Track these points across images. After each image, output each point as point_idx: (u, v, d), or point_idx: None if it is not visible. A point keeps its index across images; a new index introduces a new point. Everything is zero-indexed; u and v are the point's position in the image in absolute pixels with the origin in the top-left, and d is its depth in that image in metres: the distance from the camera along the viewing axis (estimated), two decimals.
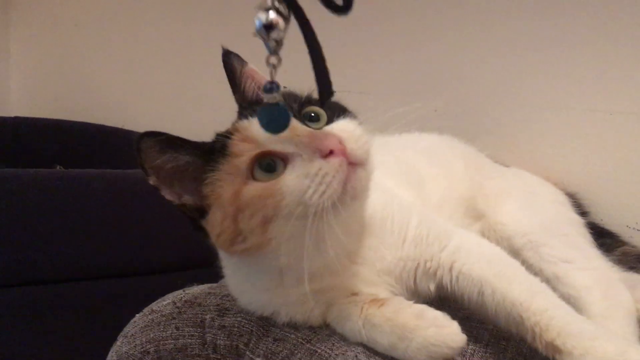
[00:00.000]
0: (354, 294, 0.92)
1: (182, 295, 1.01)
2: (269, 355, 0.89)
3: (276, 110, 0.70)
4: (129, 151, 2.08)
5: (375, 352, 0.86)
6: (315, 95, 0.83)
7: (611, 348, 0.75)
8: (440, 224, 0.99)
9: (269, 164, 0.78)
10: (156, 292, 1.06)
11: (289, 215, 0.75)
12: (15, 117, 2.28)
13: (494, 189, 1.20)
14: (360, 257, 0.92)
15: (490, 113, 1.50)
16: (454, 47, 1.54)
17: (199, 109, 2.20)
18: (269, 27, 0.60)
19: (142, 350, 0.94)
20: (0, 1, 2.87)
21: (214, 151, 0.82)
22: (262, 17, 0.59)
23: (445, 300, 0.96)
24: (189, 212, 0.85)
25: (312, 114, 0.82)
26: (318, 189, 0.74)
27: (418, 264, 0.94)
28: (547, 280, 1.00)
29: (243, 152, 0.79)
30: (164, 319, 0.97)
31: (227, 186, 0.80)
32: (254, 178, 0.78)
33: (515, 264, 0.92)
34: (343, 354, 0.87)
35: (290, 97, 0.85)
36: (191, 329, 0.95)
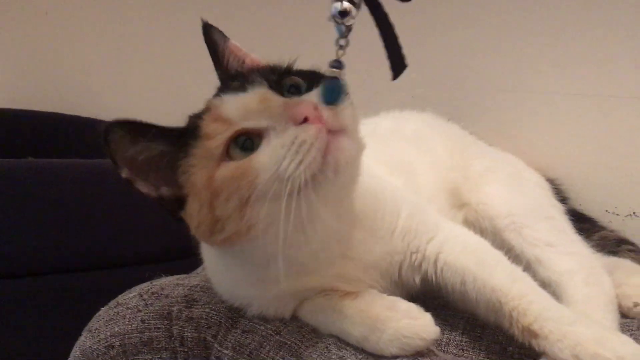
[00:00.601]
0: (331, 288, 0.89)
1: (148, 287, 0.98)
2: (237, 347, 0.87)
3: (336, 83, 0.69)
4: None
5: (347, 344, 0.84)
6: (296, 65, 0.82)
7: (588, 333, 0.73)
8: (430, 215, 0.96)
9: (246, 140, 0.73)
10: (128, 285, 1.03)
11: (265, 193, 0.69)
12: None
13: (477, 168, 1.17)
14: (350, 251, 0.89)
15: (469, 98, 1.48)
16: (433, 32, 1.51)
17: (175, 98, 2.16)
18: (343, 13, 0.65)
19: (106, 344, 0.91)
20: None
21: (187, 135, 0.77)
22: (337, 5, 0.65)
23: (426, 291, 0.95)
24: (167, 205, 0.79)
25: (292, 85, 0.78)
26: (294, 159, 0.68)
27: (404, 256, 0.92)
28: (528, 263, 1.00)
29: (215, 134, 0.74)
30: (129, 311, 0.93)
31: (201, 171, 0.75)
32: (231, 159, 0.73)
33: (498, 254, 0.90)
34: (313, 345, 0.84)
35: (269, 69, 0.81)
36: (157, 321, 0.91)
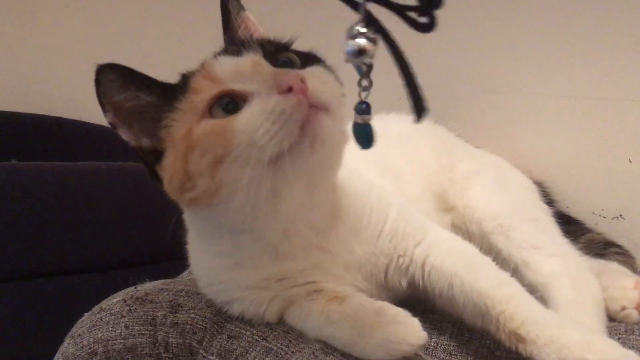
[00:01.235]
0: (316, 291, 0.88)
1: (133, 293, 0.96)
2: (223, 353, 0.85)
3: (366, 129, 0.66)
4: (87, 143, 2.03)
5: (333, 349, 0.83)
6: (288, 39, 0.82)
7: (576, 337, 0.73)
8: (418, 218, 0.96)
9: (229, 103, 0.73)
10: (111, 289, 1.01)
11: (238, 156, 0.69)
12: None
13: (463, 171, 1.17)
14: (328, 244, 0.88)
15: (456, 100, 1.48)
16: (421, 35, 1.51)
17: None
18: (359, 52, 0.61)
19: (89, 351, 0.89)
20: None
21: (176, 91, 0.77)
22: (352, 44, 0.60)
23: (413, 295, 0.94)
24: (144, 155, 0.80)
25: (286, 60, 0.78)
26: (271, 128, 0.67)
27: (391, 259, 0.92)
28: (515, 266, 1.00)
29: (203, 90, 0.74)
30: (112, 317, 0.92)
31: (182, 125, 0.75)
32: (212, 118, 0.73)
33: (486, 258, 0.90)
34: (300, 351, 0.83)
35: (267, 41, 0.81)
36: (141, 327, 0.90)
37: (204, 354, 0.86)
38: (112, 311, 0.93)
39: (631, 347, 0.83)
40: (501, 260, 1.01)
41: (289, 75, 0.70)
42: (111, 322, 0.91)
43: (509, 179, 1.20)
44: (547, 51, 1.34)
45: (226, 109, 0.73)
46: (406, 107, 1.32)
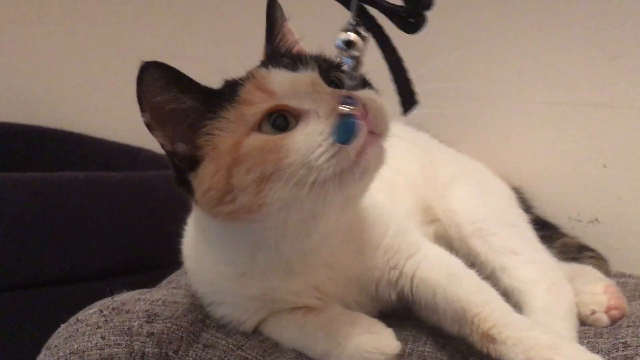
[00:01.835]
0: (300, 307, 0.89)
1: (109, 303, 0.96)
2: None
3: (350, 122, 0.67)
4: (69, 152, 2.02)
5: (308, 358, 0.84)
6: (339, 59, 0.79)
7: (543, 340, 0.75)
8: (412, 234, 0.97)
9: (281, 119, 0.72)
10: (89, 299, 1.01)
11: (290, 177, 0.68)
12: None
13: (444, 176, 1.18)
14: (336, 261, 0.89)
15: (438, 107, 1.49)
16: (405, 42, 1.52)
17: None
18: (348, 44, 0.64)
19: None
20: None
21: (220, 98, 0.76)
22: (342, 36, 0.64)
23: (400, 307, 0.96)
24: (178, 160, 0.77)
25: (334, 81, 0.77)
26: (329, 150, 0.67)
27: (383, 273, 0.93)
28: (492, 270, 1.02)
29: (255, 101, 0.73)
30: (89, 328, 0.92)
31: (227, 135, 0.73)
32: (260, 131, 0.72)
33: (469, 270, 0.92)
34: None
35: (322, 58, 0.80)
36: (118, 337, 0.90)
37: None
38: (89, 322, 0.93)
39: (600, 350, 0.85)
40: (479, 263, 1.03)
41: (354, 100, 0.68)
42: (87, 332, 0.91)
43: (489, 184, 1.21)
44: (523, 59, 1.36)
45: (275, 124, 0.72)
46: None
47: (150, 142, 1.97)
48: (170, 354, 0.88)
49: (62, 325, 0.96)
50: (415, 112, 0.72)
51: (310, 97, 0.71)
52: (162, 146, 0.77)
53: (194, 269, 0.94)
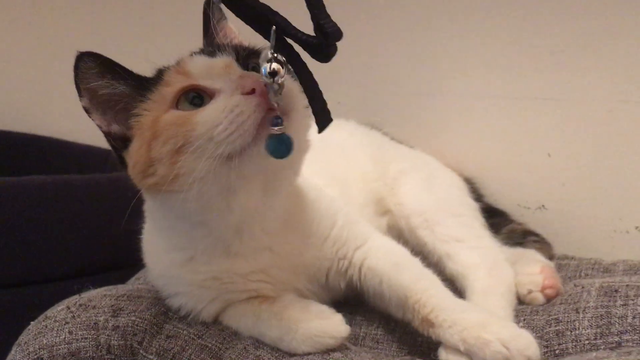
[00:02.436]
0: (254, 297, 0.94)
1: (76, 300, 1.00)
2: (162, 352, 0.91)
3: (282, 140, 0.72)
4: (37, 156, 2.02)
5: (264, 344, 0.89)
6: (260, 47, 0.85)
7: (474, 320, 0.81)
8: (361, 226, 1.03)
9: (195, 97, 0.78)
10: (60, 299, 1.04)
11: (197, 149, 0.73)
12: None
13: (394, 171, 1.24)
14: (279, 247, 0.94)
15: (386, 103, 1.55)
16: (357, 38, 1.57)
17: None
18: (272, 74, 0.68)
19: (35, 357, 0.93)
20: None
21: (149, 83, 0.83)
22: (266, 66, 0.68)
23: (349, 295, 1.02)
24: (114, 141, 0.85)
25: (256, 66, 0.82)
26: (228, 127, 0.72)
27: (332, 262, 0.99)
28: (439, 258, 1.09)
29: (173, 83, 0.80)
30: (57, 324, 0.96)
31: (150, 114, 0.80)
32: (177, 109, 0.79)
33: (413, 259, 0.98)
34: (233, 347, 0.89)
35: (241, 46, 0.86)
36: (84, 332, 0.94)
37: (144, 354, 0.92)
38: (57, 318, 0.97)
39: (534, 327, 0.92)
40: (427, 252, 1.10)
41: (253, 78, 0.74)
42: (55, 328, 0.95)
43: (436, 177, 1.27)
44: (469, 55, 1.41)
45: (192, 102, 0.78)
46: (344, 112, 1.39)
47: None
48: (135, 345, 0.93)
49: (32, 323, 1.00)
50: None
51: (222, 78, 0.77)
52: (99, 127, 0.85)
53: (150, 262, 0.99)
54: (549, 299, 0.99)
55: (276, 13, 0.69)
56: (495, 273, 1.02)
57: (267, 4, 0.70)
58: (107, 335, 0.94)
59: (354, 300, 1.03)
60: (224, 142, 0.72)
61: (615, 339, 0.85)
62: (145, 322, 0.95)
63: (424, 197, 1.17)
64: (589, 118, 1.32)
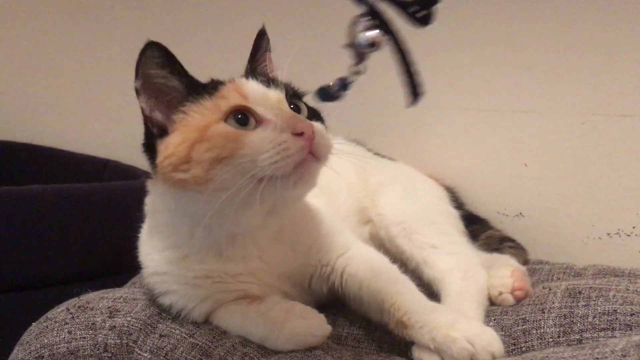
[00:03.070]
0: (243, 297, 1.00)
1: (75, 302, 1.07)
2: (155, 350, 0.97)
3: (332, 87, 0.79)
4: (38, 166, 2.06)
5: (251, 342, 0.95)
6: (302, 90, 0.95)
7: (443, 320, 0.88)
8: (344, 235, 1.10)
9: (243, 118, 0.85)
10: (57, 303, 1.11)
11: (238, 165, 0.81)
12: None
13: (375, 183, 1.30)
14: (267, 256, 1.00)
15: (374, 115, 1.61)
16: (342, 50, 1.63)
17: (112, 121, 2.20)
18: (372, 45, 0.70)
19: (36, 355, 1.00)
20: None
21: (202, 89, 0.90)
22: (365, 35, 0.69)
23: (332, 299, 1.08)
24: (152, 125, 0.91)
25: (296, 107, 0.91)
26: (273, 157, 0.80)
27: (315, 269, 1.05)
28: (416, 264, 1.15)
29: (230, 98, 0.87)
30: (57, 324, 1.02)
31: (200, 117, 0.87)
32: (226, 122, 0.85)
33: (391, 266, 1.05)
34: (222, 345, 0.95)
35: (288, 85, 0.95)
36: (83, 331, 1.01)
37: (139, 352, 0.98)
38: (57, 319, 1.04)
39: (503, 326, 0.98)
40: (405, 259, 1.16)
41: (306, 124, 0.83)
42: (55, 329, 1.02)
43: (415, 188, 1.33)
44: (450, 70, 1.47)
45: (238, 120, 0.85)
46: (331, 124, 1.44)
47: (116, 154, 2.08)
48: (130, 344, 0.99)
49: (34, 324, 1.06)
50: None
51: (273, 110, 0.85)
52: (142, 110, 0.91)
53: (144, 260, 1.04)
54: (518, 300, 1.05)
55: None
56: (469, 276, 1.08)
57: None
58: (104, 334, 1.00)
59: (337, 303, 1.09)
60: (265, 168, 0.80)
61: (577, 337, 0.91)
62: (140, 322, 1.01)
63: (402, 207, 1.24)
64: (564, 130, 1.39)
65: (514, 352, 0.93)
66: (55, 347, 1.00)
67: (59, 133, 2.27)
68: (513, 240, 1.32)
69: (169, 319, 1.02)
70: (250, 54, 1.01)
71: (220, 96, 0.88)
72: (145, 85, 0.88)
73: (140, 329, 1.00)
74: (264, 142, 0.82)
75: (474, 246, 1.25)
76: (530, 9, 1.38)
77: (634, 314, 0.91)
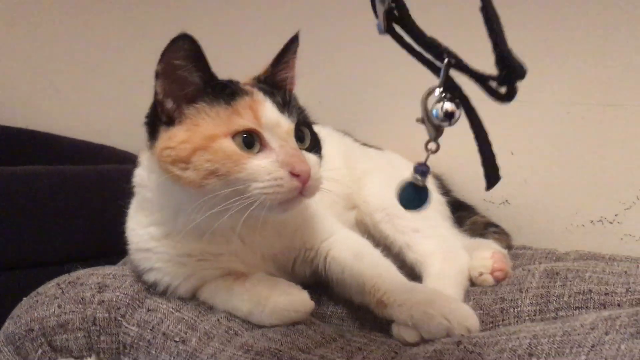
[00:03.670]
0: (229, 274, 1.03)
1: (66, 278, 1.09)
2: (142, 324, 0.99)
3: (420, 191, 0.72)
4: (33, 151, 2.09)
5: (236, 317, 0.98)
6: (311, 120, 0.99)
7: (420, 297, 0.91)
8: (329, 221, 1.13)
9: (250, 140, 0.88)
10: None
11: (232, 185, 0.85)
12: None
13: (360, 171, 1.33)
14: (251, 241, 1.03)
15: (366, 103, 1.63)
16: (337, 41, 1.66)
17: (108, 107, 2.22)
18: (447, 115, 0.66)
19: (27, 328, 1.02)
20: None
21: (220, 91, 0.91)
22: (441, 107, 0.65)
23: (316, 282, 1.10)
24: (161, 110, 0.91)
25: (302, 135, 0.94)
26: (266, 188, 0.84)
27: (299, 252, 1.09)
28: (399, 248, 1.17)
29: (244, 116, 0.89)
30: (47, 299, 1.05)
31: (211, 123, 0.89)
32: (233, 140, 0.87)
33: (374, 250, 1.08)
34: (207, 319, 0.98)
35: (303, 112, 0.97)
36: (72, 305, 1.03)
37: (127, 325, 1.00)
38: (47, 294, 1.06)
39: (482, 305, 1.01)
40: (389, 244, 1.19)
41: (304, 167, 0.86)
42: (46, 303, 1.04)
43: (399, 175, 1.35)
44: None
45: (244, 140, 0.87)
46: (324, 111, 1.47)
47: (111, 140, 2.10)
48: (119, 318, 1.02)
49: (25, 298, 1.09)
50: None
51: (279, 141, 0.88)
52: (156, 93, 0.91)
53: (129, 236, 1.07)
54: (498, 281, 1.08)
55: (446, 47, 0.64)
56: (450, 258, 1.11)
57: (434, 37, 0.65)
58: (93, 308, 1.03)
59: (320, 286, 1.11)
60: (256, 195, 0.85)
61: (552, 315, 0.94)
62: (128, 297, 1.04)
63: (385, 193, 1.25)
64: (549, 119, 1.41)
65: (490, 329, 0.96)
66: (45, 320, 1.02)
67: (55, 119, 2.28)
68: (497, 226, 1.35)
69: (156, 294, 1.04)
70: (276, 57, 1.01)
71: (234, 110, 0.89)
72: (167, 72, 0.89)
73: (128, 303, 1.03)
74: (261, 172, 0.85)
75: (458, 231, 1.28)
76: None
77: (608, 294, 0.94)
